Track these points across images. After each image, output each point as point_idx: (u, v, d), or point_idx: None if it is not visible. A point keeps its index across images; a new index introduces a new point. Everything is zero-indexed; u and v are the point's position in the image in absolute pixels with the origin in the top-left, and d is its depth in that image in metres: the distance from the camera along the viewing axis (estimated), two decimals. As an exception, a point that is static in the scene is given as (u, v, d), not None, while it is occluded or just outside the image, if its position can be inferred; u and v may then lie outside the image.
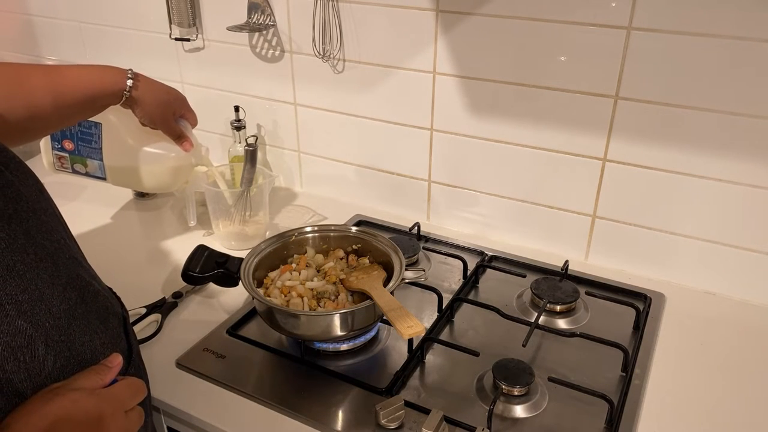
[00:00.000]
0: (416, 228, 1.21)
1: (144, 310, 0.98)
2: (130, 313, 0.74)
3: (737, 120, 0.93)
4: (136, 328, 0.92)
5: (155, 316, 0.97)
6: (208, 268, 0.98)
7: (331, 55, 1.22)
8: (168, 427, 0.89)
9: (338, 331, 0.85)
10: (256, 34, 1.29)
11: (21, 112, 0.81)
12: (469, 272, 1.09)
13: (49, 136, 1.16)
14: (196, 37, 1.36)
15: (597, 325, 0.98)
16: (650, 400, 0.84)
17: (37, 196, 0.61)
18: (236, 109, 1.32)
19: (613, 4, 0.94)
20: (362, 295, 0.90)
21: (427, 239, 1.21)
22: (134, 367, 0.67)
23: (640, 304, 1.01)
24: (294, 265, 0.97)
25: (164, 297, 1.01)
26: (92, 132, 1.12)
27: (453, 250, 1.16)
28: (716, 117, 0.94)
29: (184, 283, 0.98)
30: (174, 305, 1.01)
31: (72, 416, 0.52)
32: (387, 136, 1.24)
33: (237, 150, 1.35)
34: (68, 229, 0.66)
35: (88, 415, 0.53)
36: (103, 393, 0.56)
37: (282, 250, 0.99)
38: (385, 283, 0.90)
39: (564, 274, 1.07)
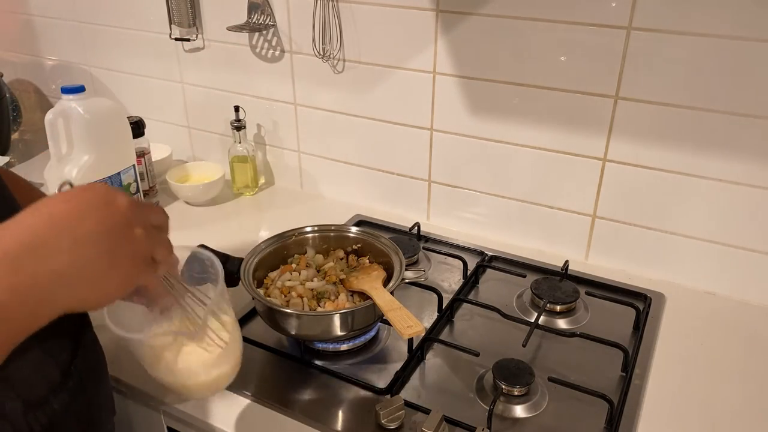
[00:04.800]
0: (416, 228, 1.21)
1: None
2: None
3: (737, 120, 0.93)
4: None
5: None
6: (208, 268, 0.98)
7: (331, 55, 1.22)
8: (168, 427, 0.89)
9: (338, 331, 0.85)
10: (256, 34, 1.29)
11: None
12: (469, 272, 1.09)
13: None
14: (196, 37, 1.36)
15: (597, 325, 0.98)
16: (650, 400, 0.84)
17: None
18: (236, 109, 1.32)
19: (613, 4, 0.94)
20: (362, 295, 0.90)
21: (427, 239, 1.21)
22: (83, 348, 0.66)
23: (640, 304, 1.01)
24: (294, 265, 0.97)
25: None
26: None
27: (453, 250, 1.16)
28: (716, 117, 0.94)
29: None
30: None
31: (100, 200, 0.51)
32: (387, 136, 1.24)
33: (237, 150, 1.35)
34: None
35: (112, 196, 0.52)
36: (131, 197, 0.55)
37: (282, 250, 0.99)
38: (385, 283, 0.90)
39: (564, 274, 1.07)
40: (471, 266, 1.10)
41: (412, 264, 1.13)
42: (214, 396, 0.83)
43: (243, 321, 0.97)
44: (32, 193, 0.81)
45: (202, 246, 1.01)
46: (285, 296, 0.91)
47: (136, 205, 0.53)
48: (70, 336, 0.65)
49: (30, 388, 0.60)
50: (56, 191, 0.54)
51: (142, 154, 1.33)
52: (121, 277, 0.52)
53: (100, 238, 0.49)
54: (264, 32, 1.28)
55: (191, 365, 0.65)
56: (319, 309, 0.89)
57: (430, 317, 0.99)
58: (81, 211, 0.49)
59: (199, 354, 0.65)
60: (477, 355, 0.87)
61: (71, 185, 0.56)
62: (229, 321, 0.69)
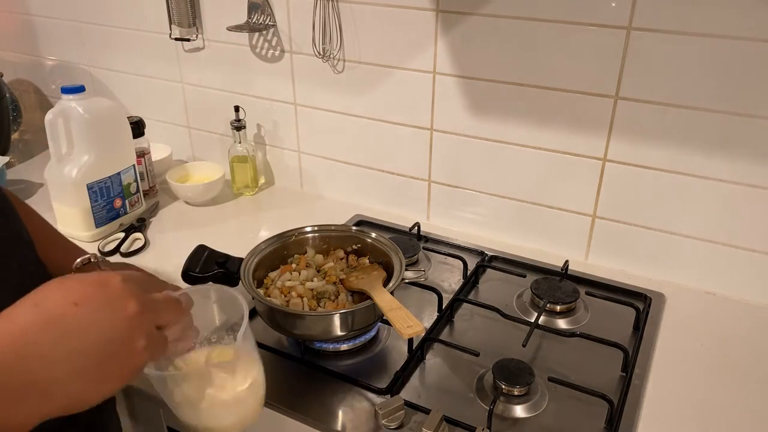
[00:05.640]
0: (416, 228, 1.21)
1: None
2: None
3: (737, 120, 0.93)
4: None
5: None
6: (208, 268, 0.98)
7: (331, 55, 1.22)
8: (168, 427, 0.89)
9: (338, 331, 0.85)
10: (256, 34, 1.29)
11: None
12: (469, 272, 1.09)
13: None
14: (196, 37, 1.36)
15: (597, 325, 0.98)
16: (650, 400, 0.84)
17: None
18: (236, 109, 1.32)
19: (613, 4, 0.94)
20: (362, 295, 0.90)
21: (427, 239, 1.21)
22: None
23: (640, 304, 1.01)
24: (294, 265, 0.97)
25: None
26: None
27: (453, 250, 1.16)
28: (716, 117, 0.94)
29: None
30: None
31: (103, 294, 0.47)
32: (387, 136, 1.24)
33: (237, 150, 1.35)
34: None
35: (121, 302, 0.48)
36: (143, 295, 0.50)
37: (282, 250, 0.99)
38: (385, 283, 0.90)
39: (564, 274, 1.07)
40: (471, 266, 1.10)
41: (412, 264, 1.13)
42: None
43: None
44: (40, 227, 0.78)
45: (202, 246, 1.02)
46: (285, 296, 0.91)
47: (146, 309, 0.49)
48: None
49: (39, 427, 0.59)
50: (73, 266, 0.51)
51: (142, 154, 1.33)
52: (107, 390, 0.49)
53: (99, 352, 0.46)
54: (264, 32, 1.28)
55: (214, 407, 0.63)
56: (319, 309, 0.89)
57: (430, 317, 0.99)
58: (85, 320, 0.46)
59: (220, 396, 0.64)
60: (477, 355, 0.87)
61: (95, 263, 0.51)
62: (255, 358, 0.67)
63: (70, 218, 1.21)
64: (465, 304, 1.02)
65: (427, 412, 0.78)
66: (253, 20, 1.26)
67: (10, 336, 0.43)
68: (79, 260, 0.72)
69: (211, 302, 0.69)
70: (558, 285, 1.04)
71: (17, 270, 0.61)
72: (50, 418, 0.46)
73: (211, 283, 0.67)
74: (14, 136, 1.62)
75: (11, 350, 0.43)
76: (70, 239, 0.86)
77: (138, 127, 1.33)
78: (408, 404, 0.80)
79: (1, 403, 0.42)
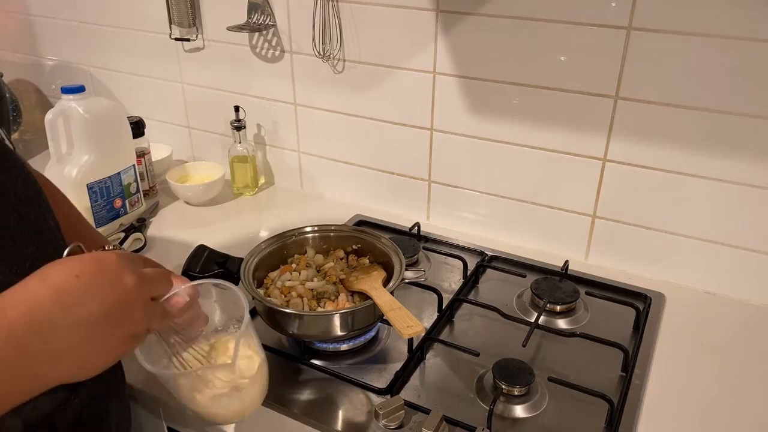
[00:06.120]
0: (416, 228, 1.21)
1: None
2: None
3: (737, 120, 0.93)
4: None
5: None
6: (208, 268, 0.98)
7: (331, 55, 1.22)
8: (168, 428, 0.89)
9: (338, 331, 0.85)
10: (256, 34, 1.29)
11: None
12: (469, 272, 1.09)
13: None
14: (196, 37, 1.36)
15: (597, 325, 0.98)
16: (650, 400, 0.84)
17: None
18: (236, 109, 1.32)
19: (613, 4, 0.94)
20: (362, 295, 0.90)
21: (427, 239, 1.21)
22: None
23: (640, 304, 1.00)
24: (294, 266, 0.97)
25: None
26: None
27: (453, 250, 1.16)
28: (716, 117, 0.94)
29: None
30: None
31: (101, 267, 0.52)
32: (387, 136, 1.24)
33: (237, 150, 1.35)
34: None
35: (117, 275, 0.52)
36: (137, 269, 0.55)
37: (282, 251, 0.99)
38: (385, 283, 0.90)
39: (564, 274, 1.07)
40: (471, 266, 1.10)
41: (412, 264, 1.13)
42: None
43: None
44: (68, 212, 0.82)
45: (202, 246, 1.02)
46: (285, 296, 0.91)
47: (141, 282, 0.54)
48: None
49: (33, 407, 0.60)
50: (65, 254, 0.55)
51: (142, 154, 1.33)
52: (113, 355, 0.53)
53: (101, 320, 0.50)
54: (264, 32, 1.28)
55: (219, 396, 0.66)
56: (319, 309, 0.89)
57: (430, 317, 0.99)
58: (88, 290, 0.50)
59: (223, 387, 0.66)
60: (477, 355, 0.87)
61: (81, 249, 0.56)
62: (257, 351, 0.70)
63: (70, 218, 1.21)
64: (465, 304, 1.02)
65: (427, 412, 0.78)
66: (253, 20, 1.26)
67: (22, 307, 0.47)
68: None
69: (212, 300, 0.71)
70: (558, 285, 1.04)
71: (34, 253, 0.63)
72: (64, 383, 0.50)
73: (211, 279, 0.69)
74: (14, 136, 1.62)
75: (24, 321, 0.46)
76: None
77: (138, 127, 1.33)
78: (408, 404, 0.80)
79: (17, 371, 0.46)
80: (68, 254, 0.55)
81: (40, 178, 0.74)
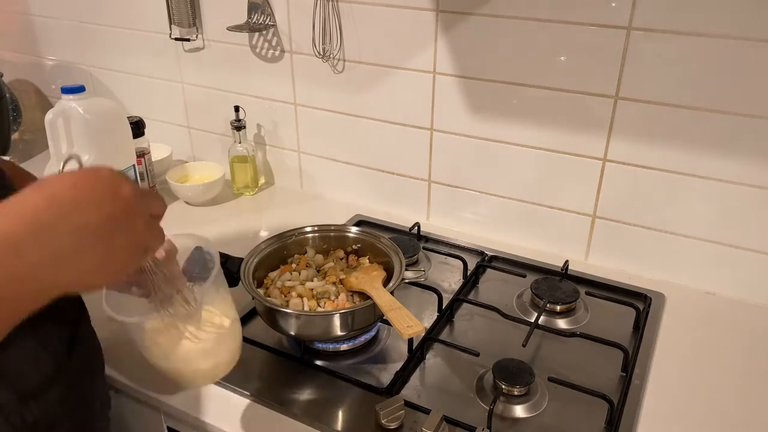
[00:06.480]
0: (416, 228, 1.21)
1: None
2: None
3: (737, 120, 0.93)
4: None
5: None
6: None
7: (331, 55, 1.22)
8: (168, 427, 0.89)
9: (338, 331, 0.85)
10: (256, 34, 1.29)
11: None
12: (469, 272, 1.09)
13: None
14: (196, 37, 1.36)
15: (597, 325, 0.98)
16: (650, 400, 0.84)
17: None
18: (236, 109, 1.32)
19: (613, 4, 0.94)
20: (362, 295, 0.90)
21: (427, 239, 1.21)
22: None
23: (640, 304, 1.00)
24: (294, 266, 0.97)
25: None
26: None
27: (453, 250, 1.16)
28: (716, 117, 0.94)
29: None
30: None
31: (98, 183, 0.51)
32: (387, 136, 1.24)
33: (237, 150, 1.35)
34: None
35: (115, 185, 0.52)
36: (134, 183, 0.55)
37: (282, 251, 0.99)
38: (385, 283, 0.90)
39: (564, 274, 1.07)
40: (471, 266, 1.10)
41: (412, 264, 1.13)
42: (209, 384, 0.83)
43: (243, 321, 0.97)
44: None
45: (201, 247, 1.02)
46: (285, 296, 0.91)
47: (139, 194, 0.53)
48: (67, 329, 0.65)
49: (23, 379, 0.60)
50: (61, 166, 0.54)
51: (142, 154, 1.33)
52: (116, 265, 0.52)
53: (101, 227, 0.50)
54: (264, 32, 1.28)
55: (188, 352, 0.65)
56: (319, 309, 0.89)
57: (430, 317, 0.99)
58: (85, 199, 0.49)
59: (195, 341, 0.66)
60: (477, 355, 0.87)
61: (79, 162, 0.56)
62: (227, 310, 0.69)
63: (70, 218, 1.21)
64: (465, 304, 1.02)
65: (427, 412, 0.78)
66: (253, 20, 1.26)
67: (21, 215, 0.47)
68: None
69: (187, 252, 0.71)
70: (558, 285, 1.04)
71: None
72: (67, 292, 0.50)
73: (192, 233, 0.69)
74: (14, 136, 1.62)
75: (24, 228, 0.46)
76: None
77: (138, 127, 1.33)
78: (408, 404, 0.80)
79: (18, 275, 0.46)
80: (64, 168, 0.55)
81: (6, 165, 0.73)
